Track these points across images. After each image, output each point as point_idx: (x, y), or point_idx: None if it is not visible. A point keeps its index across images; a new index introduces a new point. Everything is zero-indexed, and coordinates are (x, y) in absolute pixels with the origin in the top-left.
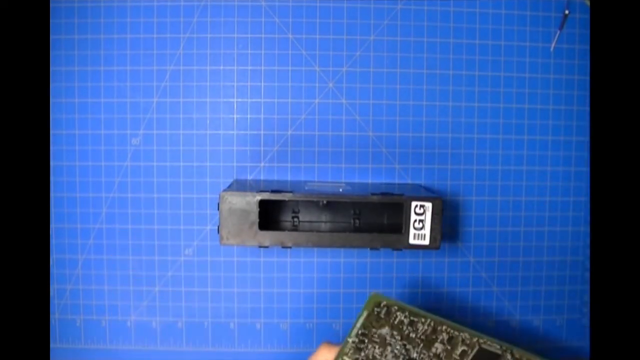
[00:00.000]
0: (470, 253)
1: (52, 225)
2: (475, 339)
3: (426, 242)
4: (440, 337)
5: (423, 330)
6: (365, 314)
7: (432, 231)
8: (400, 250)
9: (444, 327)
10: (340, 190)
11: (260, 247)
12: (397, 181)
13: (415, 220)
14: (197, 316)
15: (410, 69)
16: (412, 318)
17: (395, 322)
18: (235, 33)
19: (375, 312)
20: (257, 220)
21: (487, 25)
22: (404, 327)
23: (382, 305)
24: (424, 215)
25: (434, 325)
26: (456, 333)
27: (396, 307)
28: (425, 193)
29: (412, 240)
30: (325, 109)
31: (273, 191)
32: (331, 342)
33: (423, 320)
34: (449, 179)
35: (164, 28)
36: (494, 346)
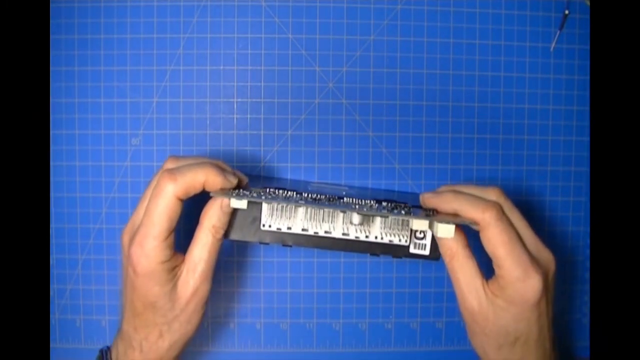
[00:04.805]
0: None
1: (52, 225)
2: None
3: (426, 252)
4: None
5: None
6: None
7: (433, 242)
8: (400, 257)
9: None
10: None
11: (261, 243)
12: (397, 181)
13: (416, 231)
14: None
15: (410, 69)
16: None
17: None
18: (235, 33)
19: None
20: (259, 216)
21: (487, 25)
22: None
23: None
24: None
25: None
26: None
27: None
28: None
29: (412, 250)
30: (325, 109)
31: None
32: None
33: None
34: (449, 179)
35: (164, 28)
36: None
